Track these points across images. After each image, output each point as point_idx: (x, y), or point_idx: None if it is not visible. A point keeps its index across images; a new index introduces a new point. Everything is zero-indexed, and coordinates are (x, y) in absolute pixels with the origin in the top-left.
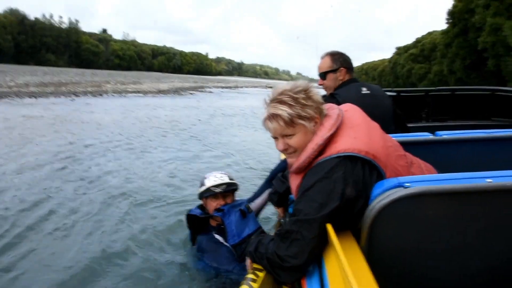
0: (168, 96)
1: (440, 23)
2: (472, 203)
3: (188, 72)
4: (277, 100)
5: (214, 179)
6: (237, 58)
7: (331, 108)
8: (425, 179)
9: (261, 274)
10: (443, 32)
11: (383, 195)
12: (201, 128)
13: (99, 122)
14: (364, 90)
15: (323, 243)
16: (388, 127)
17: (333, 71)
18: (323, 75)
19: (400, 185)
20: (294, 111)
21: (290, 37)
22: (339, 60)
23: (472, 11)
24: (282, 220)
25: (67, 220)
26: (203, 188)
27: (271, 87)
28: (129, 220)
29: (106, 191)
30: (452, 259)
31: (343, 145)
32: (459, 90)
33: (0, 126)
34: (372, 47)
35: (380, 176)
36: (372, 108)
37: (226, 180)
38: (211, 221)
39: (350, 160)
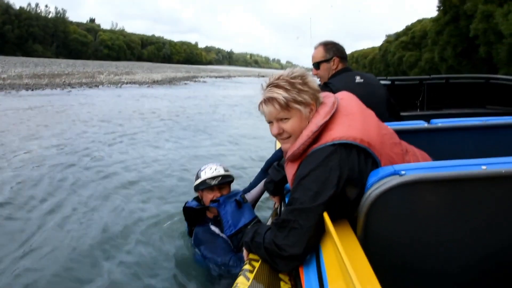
0: (163, 87)
1: (430, 11)
2: (467, 190)
3: (178, 62)
4: (273, 84)
5: (209, 171)
6: (226, 47)
7: (327, 96)
8: (420, 167)
9: (256, 264)
10: (434, 20)
11: (378, 183)
12: (203, 118)
13: (100, 114)
14: (358, 79)
15: (321, 231)
16: (382, 116)
17: (327, 60)
18: (316, 65)
19: (395, 173)
20: (290, 95)
21: (279, 26)
22: (332, 49)
23: None
24: (278, 209)
25: (69, 210)
26: (199, 180)
27: (263, 76)
28: (129, 211)
29: (108, 181)
30: (448, 246)
31: (338, 133)
32: (454, 79)
33: (5, 119)
34: (362, 36)
35: (375, 164)
36: (366, 97)
37: (222, 172)
38: (208, 213)
39: (345, 148)
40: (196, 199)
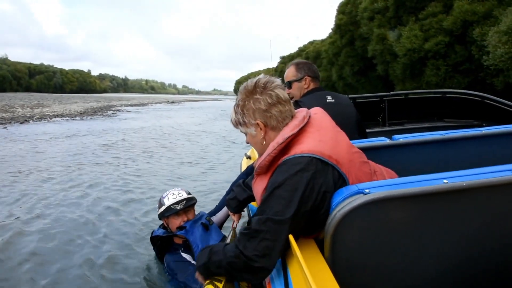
0: (98, 118)
1: (318, 34)
2: (431, 205)
3: (71, 91)
4: (235, 100)
5: (172, 197)
6: (121, 74)
7: (300, 111)
8: (384, 184)
9: (220, 285)
10: (330, 43)
11: (343, 203)
12: (182, 149)
13: (69, 152)
14: (329, 99)
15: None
16: (352, 135)
17: (298, 80)
18: (288, 84)
19: (359, 192)
20: (236, 117)
21: (173, 50)
22: (304, 69)
23: (356, 23)
24: (237, 229)
25: (50, 234)
26: (163, 207)
27: (173, 102)
28: (101, 238)
29: (83, 213)
30: (416, 261)
31: (307, 146)
32: (412, 94)
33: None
34: (255, 58)
35: (344, 181)
36: (336, 117)
37: (185, 195)
38: (176, 239)
39: (321, 161)
40: (162, 226)
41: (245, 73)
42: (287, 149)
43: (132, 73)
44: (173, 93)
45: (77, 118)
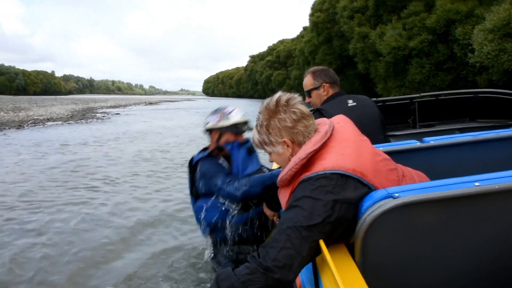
0: (93, 122)
1: (288, 32)
2: (463, 208)
3: (35, 93)
4: (256, 120)
5: (239, 114)
6: (86, 75)
7: (322, 124)
8: (414, 188)
9: None
10: (306, 41)
11: (372, 207)
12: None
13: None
14: (351, 103)
15: (314, 256)
16: (377, 137)
17: (316, 88)
18: (308, 93)
19: (389, 196)
20: (260, 137)
21: (139, 49)
22: (321, 76)
23: (333, 21)
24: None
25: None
26: (229, 122)
27: (150, 103)
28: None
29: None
30: (448, 265)
31: (330, 163)
32: (443, 95)
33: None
34: (222, 57)
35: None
36: (360, 120)
37: (246, 119)
38: (215, 152)
39: (344, 175)
40: (203, 150)
41: (213, 73)
42: (310, 164)
43: (97, 74)
44: (140, 94)
45: (72, 122)
